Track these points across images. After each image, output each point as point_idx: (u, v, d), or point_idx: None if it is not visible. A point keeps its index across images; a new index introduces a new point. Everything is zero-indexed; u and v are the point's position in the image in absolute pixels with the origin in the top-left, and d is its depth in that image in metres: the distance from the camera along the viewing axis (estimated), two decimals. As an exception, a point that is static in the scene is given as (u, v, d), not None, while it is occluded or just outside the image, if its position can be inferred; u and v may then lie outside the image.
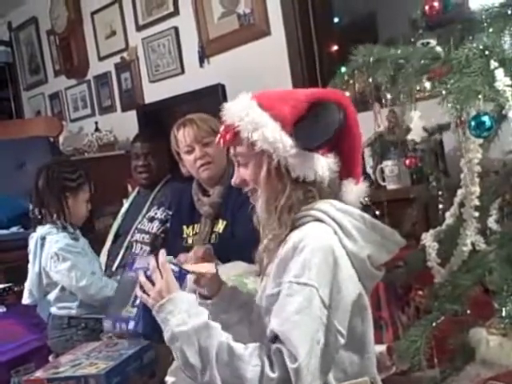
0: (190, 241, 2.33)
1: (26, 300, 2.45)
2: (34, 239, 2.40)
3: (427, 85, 1.30)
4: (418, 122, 1.36)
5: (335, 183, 1.35)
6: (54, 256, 2.32)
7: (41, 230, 2.38)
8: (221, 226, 2.23)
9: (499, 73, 1.09)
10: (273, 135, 1.28)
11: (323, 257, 1.20)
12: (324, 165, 1.30)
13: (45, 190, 2.37)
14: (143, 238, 2.96)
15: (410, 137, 1.40)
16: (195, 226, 2.34)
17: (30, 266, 2.42)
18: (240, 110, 1.33)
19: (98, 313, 2.29)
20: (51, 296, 2.40)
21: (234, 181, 1.42)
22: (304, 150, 1.28)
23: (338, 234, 1.26)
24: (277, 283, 1.25)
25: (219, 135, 1.38)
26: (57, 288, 2.37)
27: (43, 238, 2.37)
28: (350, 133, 1.34)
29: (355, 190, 1.36)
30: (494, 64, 1.12)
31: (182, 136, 2.30)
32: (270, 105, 1.32)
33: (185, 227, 2.38)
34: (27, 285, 2.44)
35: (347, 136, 1.33)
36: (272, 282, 1.27)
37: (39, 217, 2.40)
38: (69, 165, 2.53)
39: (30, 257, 2.41)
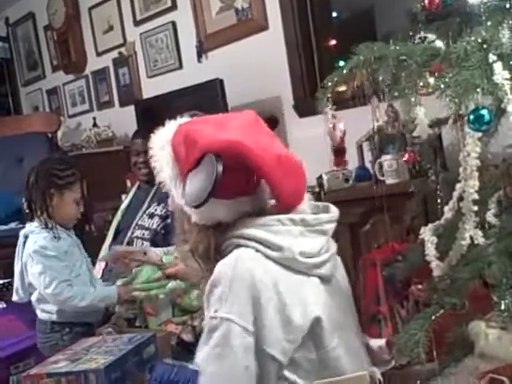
0: None
1: (14, 297, 2.39)
2: (20, 236, 2.35)
3: (431, 80, 1.30)
4: (423, 118, 1.36)
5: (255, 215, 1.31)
6: (29, 257, 2.26)
7: (28, 226, 2.33)
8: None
9: (498, 66, 1.09)
10: (170, 180, 1.29)
11: (240, 286, 1.19)
12: (227, 209, 1.27)
13: (33, 186, 2.31)
14: (143, 234, 2.96)
15: (415, 133, 1.40)
16: None
17: (15, 263, 2.36)
18: (156, 146, 1.34)
19: (82, 317, 2.25)
20: (33, 297, 2.32)
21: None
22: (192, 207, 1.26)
23: (261, 250, 1.23)
24: (205, 318, 1.25)
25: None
26: (37, 290, 2.29)
27: (26, 236, 2.31)
28: (257, 169, 1.27)
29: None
30: (492, 57, 1.11)
31: None
32: (176, 144, 1.30)
33: None
34: (15, 282, 2.37)
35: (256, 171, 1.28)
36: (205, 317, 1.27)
37: (27, 212, 2.34)
38: (62, 162, 2.43)
39: (15, 254, 2.35)
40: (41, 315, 2.31)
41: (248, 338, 1.17)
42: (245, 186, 1.31)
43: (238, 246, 1.25)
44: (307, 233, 1.28)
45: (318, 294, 1.26)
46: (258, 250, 1.23)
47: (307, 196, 1.36)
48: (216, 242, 1.29)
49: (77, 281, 2.25)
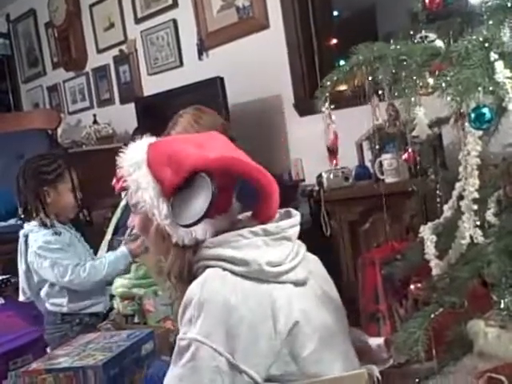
0: None
1: (20, 297, 2.45)
2: (20, 236, 2.39)
3: (430, 80, 1.29)
4: (422, 119, 1.35)
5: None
6: (36, 255, 2.30)
7: (26, 226, 2.37)
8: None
9: (499, 65, 1.09)
10: (151, 199, 1.26)
11: (209, 307, 1.17)
12: (206, 228, 1.26)
13: (23, 188, 2.35)
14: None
15: (414, 133, 1.40)
16: None
17: (18, 264, 2.41)
18: (130, 165, 1.29)
19: (92, 307, 2.34)
20: (42, 292, 2.39)
21: (130, 223, 1.41)
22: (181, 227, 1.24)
23: (227, 268, 1.22)
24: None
25: (114, 180, 1.34)
26: (46, 284, 2.36)
27: (26, 236, 2.35)
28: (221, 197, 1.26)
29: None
30: (493, 56, 1.11)
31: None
32: (156, 163, 1.27)
33: None
34: (20, 282, 2.43)
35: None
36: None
37: (23, 216, 2.38)
38: (45, 157, 2.45)
39: (18, 255, 2.40)
40: (50, 308, 2.38)
41: (218, 357, 1.16)
42: (226, 204, 1.31)
43: (208, 267, 1.24)
44: (271, 242, 1.26)
45: (292, 300, 1.24)
46: (225, 269, 1.22)
47: None
48: (190, 261, 1.28)
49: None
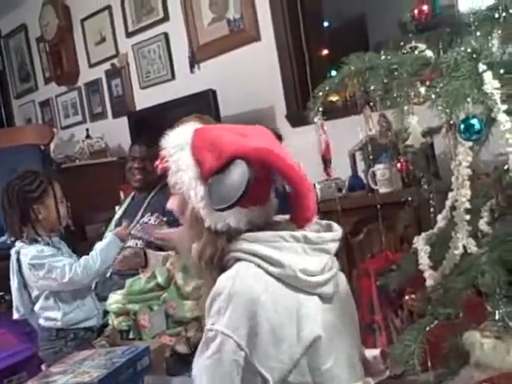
0: None
1: (14, 315, 2.46)
2: (12, 254, 2.41)
3: (422, 90, 1.30)
4: (416, 127, 1.36)
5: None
6: (30, 268, 2.32)
7: (18, 244, 2.39)
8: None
9: (487, 76, 1.10)
10: (189, 181, 1.28)
11: (238, 301, 1.19)
12: (240, 217, 1.27)
13: (8, 210, 2.37)
14: (137, 244, 2.95)
15: (408, 142, 1.40)
16: None
17: (11, 281, 2.43)
18: (173, 147, 1.32)
19: (85, 322, 2.36)
20: (37, 307, 2.40)
21: (168, 206, 1.41)
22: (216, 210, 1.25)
23: (262, 266, 1.23)
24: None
25: (158, 160, 1.37)
26: (41, 298, 2.37)
27: (17, 253, 2.38)
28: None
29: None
30: (482, 67, 1.12)
31: None
32: (199, 147, 1.30)
33: None
34: (13, 300, 2.44)
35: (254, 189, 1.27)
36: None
37: (12, 238, 2.40)
38: (26, 176, 2.46)
39: (10, 272, 2.42)
40: (45, 323, 2.39)
41: (239, 352, 1.17)
42: (262, 196, 1.32)
43: (239, 260, 1.25)
44: (310, 251, 1.27)
45: (317, 313, 1.25)
46: (259, 266, 1.23)
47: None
48: (222, 249, 1.28)
49: None
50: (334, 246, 1.32)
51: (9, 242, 2.45)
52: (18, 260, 2.36)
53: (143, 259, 2.36)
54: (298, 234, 1.27)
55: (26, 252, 2.34)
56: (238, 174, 1.23)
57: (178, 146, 1.32)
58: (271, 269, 1.23)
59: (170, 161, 1.31)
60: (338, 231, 1.34)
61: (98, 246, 2.41)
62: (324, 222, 1.36)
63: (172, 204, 1.38)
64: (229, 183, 1.24)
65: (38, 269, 2.30)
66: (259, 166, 1.25)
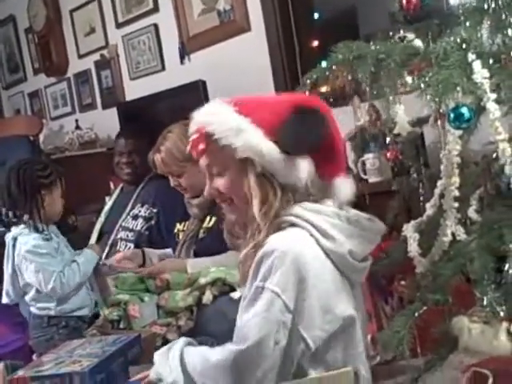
0: (181, 236, 2.33)
1: (4, 300, 2.46)
2: (7, 239, 2.40)
3: (408, 79, 1.31)
4: (402, 116, 1.37)
5: (315, 185, 1.32)
6: (23, 257, 2.33)
7: (14, 229, 2.38)
8: (210, 221, 2.24)
9: (477, 65, 1.11)
10: (256, 141, 1.26)
11: (290, 262, 1.20)
12: (305, 168, 1.28)
13: (17, 192, 2.35)
14: (127, 236, 2.96)
15: (395, 131, 1.42)
16: (187, 222, 2.34)
17: (4, 266, 2.43)
18: (216, 117, 1.31)
19: (78, 310, 2.38)
20: (28, 297, 2.40)
21: (209, 193, 1.39)
22: (290, 155, 1.26)
23: (314, 235, 1.25)
24: (249, 288, 1.27)
25: (191, 145, 1.35)
26: (33, 289, 2.38)
27: (15, 239, 2.37)
28: (330, 135, 1.32)
29: (348, 185, 1.34)
30: (471, 57, 1.13)
31: (157, 162, 2.29)
32: (248, 110, 1.30)
33: (178, 223, 2.39)
34: (4, 285, 2.45)
35: (328, 138, 1.32)
36: (248, 287, 1.28)
37: (14, 220, 2.38)
38: (39, 163, 2.50)
39: (4, 258, 2.42)
40: (37, 311, 2.40)
41: (286, 314, 1.19)
42: (335, 157, 1.34)
43: (293, 225, 1.27)
44: (359, 237, 1.29)
45: (349, 296, 1.28)
46: (312, 235, 1.25)
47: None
48: (281, 205, 1.29)
49: None
50: (378, 239, 1.35)
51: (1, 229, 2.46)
52: (14, 246, 2.36)
53: (141, 259, 2.35)
54: (354, 217, 1.30)
55: (23, 240, 2.34)
56: (312, 120, 1.26)
57: (221, 114, 1.31)
58: (323, 241, 1.25)
59: (221, 130, 1.28)
60: (383, 226, 1.36)
61: (80, 259, 2.40)
62: (367, 215, 1.36)
63: (218, 185, 1.36)
64: (304, 128, 1.26)
65: (29, 263, 2.31)
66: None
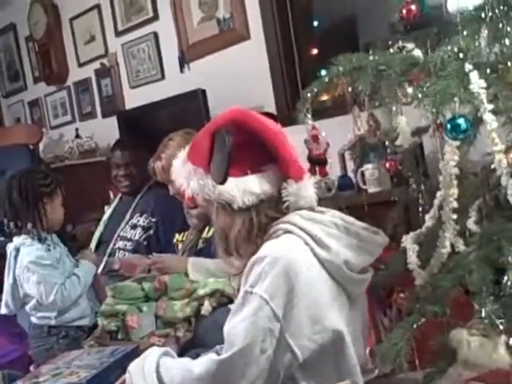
0: (180, 247, 2.33)
1: (2, 310, 2.46)
2: (9, 250, 2.40)
3: (409, 90, 1.30)
4: (405, 128, 1.36)
5: (288, 191, 1.32)
6: (25, 268, 2.32)
7: (16, 240, 2.38)
8: (209, 231, 2.23)
9: (474, 75, 1.10)
10: (198, 183, 1.31)
11: (281, 269, 1.19)
12: (258, 182, 1.29)
13: (19, 201, 2.35)
14: (126, 246, 2.95)
15: (398, 142, 1.41)
16: (186, 233, 2.33)
17: (5, 276, 2.43)
18: (178, 171, 1.38)
19: (78, 320, 2.38)
20: (28, 306, 2.41)
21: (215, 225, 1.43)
22: (225, 182, 1.28)
23: (310, 244, 1.25)
24: (240, 294, 1.27)
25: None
26: (33, 299, 2.37)
27: (17, 249, 2.37)
28: (267, 139, 1.33)
29: (298, 187, 1.32)
30: (468, 67, 1.13)
31: (157, 170, 2.28)
32: (189, 154, 1.35)
33: (177, 234, 2.38)
34: (3, 295, 2.45)
35: (268, 143, 1.32)
36: (239, 294, 1.28)
37: (15, 230, 2.38)
38: (40, 172, 2.52)
39: (5, 268, 2.42)
40: (37, 321, 2.41)
41: (274, 322, 1.18)
42: (261, 157, 1.33)
43: (288, 232, 1.26)
44: (357, 248, 1.28)
45: (343, 309, 1.27)
46: (306, 244, 1.25)
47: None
48: (259, 221, 1.30)
49: None
50: (378, 251, 1.34)
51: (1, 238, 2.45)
52: (16, 257, 2.36)
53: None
54: (353, 228, 1.29)
55: (26, 251, 2.34)
56: (219, 145, 1.27)
57: (179, 166, 1.37)
58: (318, 250, 1.24)
59: (181, 181, 1.36)
60: (385, 239, 1.36)
61: (79, 272, 2.41)
62: (371, 227, 1.36)
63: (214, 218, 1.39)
64: (215, 159, 1.28)
65: (31, 274, 2.31)
66: (242, 129, 1.29)
